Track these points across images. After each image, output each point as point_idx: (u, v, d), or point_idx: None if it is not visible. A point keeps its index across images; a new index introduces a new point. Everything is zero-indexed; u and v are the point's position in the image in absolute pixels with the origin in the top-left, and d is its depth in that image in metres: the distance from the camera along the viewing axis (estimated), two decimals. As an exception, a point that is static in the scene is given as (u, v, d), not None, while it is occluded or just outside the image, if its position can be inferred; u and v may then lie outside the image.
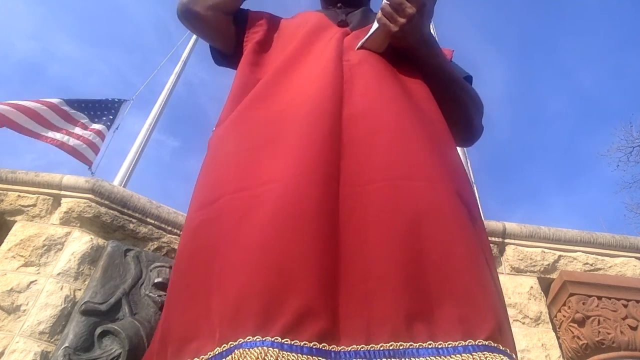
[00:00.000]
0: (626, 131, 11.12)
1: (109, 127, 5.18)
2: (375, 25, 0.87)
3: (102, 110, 5.19)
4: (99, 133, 5.04)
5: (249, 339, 0.48)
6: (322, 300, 0.52)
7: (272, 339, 0.47)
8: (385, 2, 0.84)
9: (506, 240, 2.70)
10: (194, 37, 6.04)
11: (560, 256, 2.66)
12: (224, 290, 0.53)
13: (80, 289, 2.45)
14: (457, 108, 0.89)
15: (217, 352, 0.49)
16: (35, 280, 2.40)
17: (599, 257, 2.66)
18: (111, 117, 5.25)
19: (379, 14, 0.86)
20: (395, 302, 0.53)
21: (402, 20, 0.83)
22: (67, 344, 2.18)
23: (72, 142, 4.72)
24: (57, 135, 4.62)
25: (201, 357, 0.51)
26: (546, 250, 2.67)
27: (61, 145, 4.65)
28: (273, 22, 1.06)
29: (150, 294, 2.38)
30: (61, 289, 2.40)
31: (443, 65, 0.92)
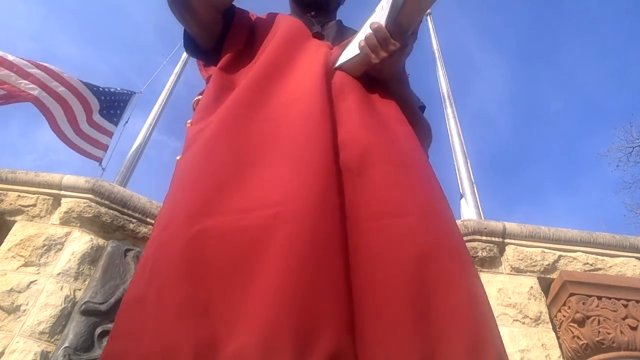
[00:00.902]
0: (626, 131, 11.14)
1: (116, 123, 5.18)
2: (357, 51, 0.90)
3: (112, 102, 5.19)
4: (105, 131, 5.03)
5: None
6: (348, 341, 0.54)
7: None
8: (371, 33, 0.87)
9: (506, 240, 2.71)
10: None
11: (560, 256, 2.67)
12: (249, 321, 0.53)
13: (80, 289, 2.45)
14: None
15: None
16: (35, 280, 2.40)
17: (599, 257, 2.67)
18: (119, 111, 5.24)
19: (362, 42, 0.88)
20: (409, 344, 0.55)
21: (384, 54, 0.87)
22: (67, 344, 2.18)
23: (80, 142, 4.74)
24: (71, 134, 4.63)
25: None
26: (546, 250, 2.68)
27: (73, 146, 4.68)
28: (255, 24, 1.07)
29: (150, 294, 2.38)
30: (61, 289, 2.40)
31: (408, 100, 0.99)
